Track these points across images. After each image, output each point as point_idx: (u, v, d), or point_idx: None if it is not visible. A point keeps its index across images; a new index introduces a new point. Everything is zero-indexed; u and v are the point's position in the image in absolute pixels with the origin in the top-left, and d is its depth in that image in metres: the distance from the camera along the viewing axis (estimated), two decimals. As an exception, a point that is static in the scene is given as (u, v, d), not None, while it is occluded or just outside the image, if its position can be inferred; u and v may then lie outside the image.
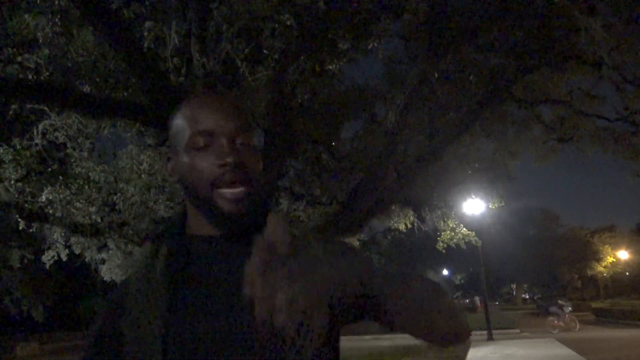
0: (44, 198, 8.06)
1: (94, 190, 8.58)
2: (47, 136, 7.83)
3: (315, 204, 9.51)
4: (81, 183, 8.41)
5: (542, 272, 45.90)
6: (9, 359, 20.95)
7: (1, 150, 7.62)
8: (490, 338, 17.08)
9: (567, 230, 46.21)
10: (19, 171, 7.80)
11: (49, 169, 8.27)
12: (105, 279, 11.34)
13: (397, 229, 11.31)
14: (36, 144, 7.78)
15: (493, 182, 10.90)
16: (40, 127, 7.64)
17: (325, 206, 9.24)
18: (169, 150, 0.96)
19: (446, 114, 9.26)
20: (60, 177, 8.30)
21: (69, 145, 8.11)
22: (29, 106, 6.92)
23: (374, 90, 9.83)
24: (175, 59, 6.92)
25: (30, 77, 6.37)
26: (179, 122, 0.92)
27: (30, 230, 9.09)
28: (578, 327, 19.53)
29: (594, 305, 30.22)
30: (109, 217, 9.25)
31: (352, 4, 6.27)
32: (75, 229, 9.13)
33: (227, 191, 0.85)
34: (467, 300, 61.01)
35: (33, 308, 25.36)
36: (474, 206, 13.51)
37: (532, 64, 7.87)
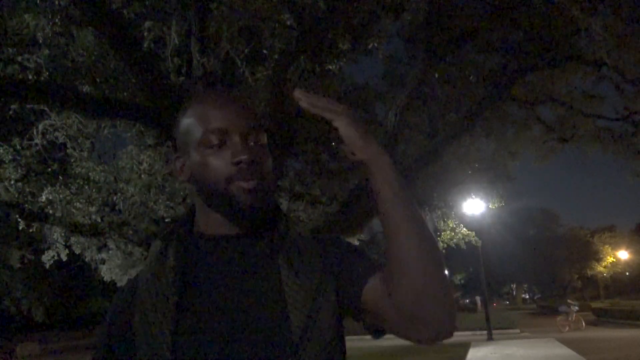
0: (44, 198, 8.06)
1: (94, 190, 8.58)
2: (47, 136, 7.83)
3: (315, 204, 9.50)
4: (81, 183, 8.41)
5: (542, 272, 45.90)
6: (9, 359, 20.94)
7: (1, 150, 7.62)
8: (490, 338, 17.08)
9: (567, 230, 46.20)
10: (19, 171, 7.80)
11: (49, 169, 8.27)
12: (105, 279, 11.35)
13: (397, 229, 11.29)
14: (36, 144, 7.78)
15: (493, 182, 10.91)
16: (40, 127, 7.64)
17: (325, 206, 9.24)
18: (177, 150, 0.96)
19: (446, 114, 9.27)
20: (60, 177, 8.30)
21: (69, 145, 8.12)
22: (29, 106, 6.91)
23: (374, 90, 9.84)
24: (175, 59, 6.92)
25: (30, 77, 6.37)
26: (189, 121, 0.91)
27: (30, 230, 9.09)
28: (584, 326, 20.21)
29: (594, 305, 30.21)
30: (109, 217, 9.25)
31: (352, 4, 6.27)
32: (75, 229, 9.13)
33: (244, 183, 0.86)
34: (468, 301, 61.04)
35: (33, 308, 25.38)
36: (474, 206, 13.52)
37: (532, 64, 7.87)
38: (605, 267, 41.84)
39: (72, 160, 8.39)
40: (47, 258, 10.03)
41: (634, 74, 8.70)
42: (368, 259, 0.92)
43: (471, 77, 8.80)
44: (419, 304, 0.79)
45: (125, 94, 6.95)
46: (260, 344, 0.81)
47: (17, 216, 8.63)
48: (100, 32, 5.54)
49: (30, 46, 6.58)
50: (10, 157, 7.64)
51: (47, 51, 6.57)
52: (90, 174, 8.41)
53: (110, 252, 10.56)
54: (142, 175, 8.47)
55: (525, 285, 61.81)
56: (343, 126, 0.85)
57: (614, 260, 41.56)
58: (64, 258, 10.10)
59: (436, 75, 8.22)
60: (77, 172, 8.41)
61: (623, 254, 41.33)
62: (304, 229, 0.96)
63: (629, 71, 8.69)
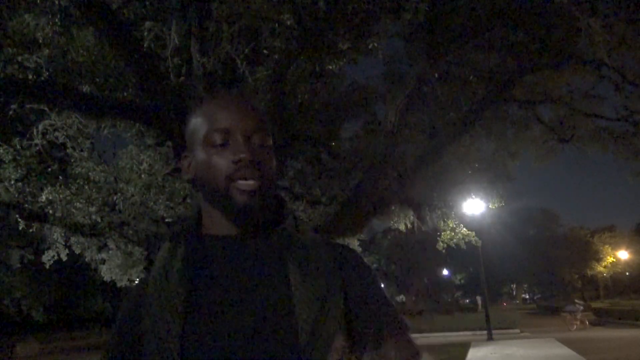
0: (44, 198, 8.06)
1: (94, 190, 8.57)
2: (47, 136, 7.83)
3: (315, 204, 9.50)
4: (81, 183, 8.41)
5: (542, 272, 45.92)
6: (9, 359, 20.94)
7: (1, 150, 7.62)
8: (490, 338, 17.09)
9: (567, 230, 46.23)
10: (19, 171, 7.80)
11: (49, 169, 8.27)
12: (105, 279, 11.34)
13: (397, 229, 11.30)
14: (36, 144, 7.78)
15: (493, 182, 10.90)
16: (40, 127, 7.64)
17: (325, 206, 9.24)
18: (186, 149, 0.98)
19: (446, 114, 9.26)
20: (60, 177, 8.30)
21: (69, 145, 8.11)
22: (29, 106, 6.91)
23: (374, 90, 9.83)
24: (175, 59, 6.92)
25: (30, 77, 6.37)
26: (196, 121, 0.94)
27: (30, 230, 9.09)
28: (588, 325, 21.27)
29: (594, 305, 30.22)
30: (109, 217, 9.25)
31: (352, 4, 6.27)
32: (75, 229, 9.13)
33: (241, 183, 0.87)
34: (468, 300, 61.07)
35: (33, 308, 25.38)
36: (474, 206, 13.51)
37: (532, 64, 7.87)
38: (605, 267, 41.86)
39: (72, 160, 8.39)
40: (47, 258, 10.03)
41: (634, 74, 8.70)
42: (384, 318, 0.91)
43: (471, 77, 8.80)
44: None
45: (125, 94, 6.95)
46: (267, 347, 0.81)
47: (17, 216, 8.63)
48: (100, 32, 5.54)
49: (30, 46, 6.58)
50: (10, 157, 7.64)
51: (47, 51, 6.57)
52: (90, 174, 8.41)
53: (110, 252, 10.56)
54: (142, 175, 8.47)
55: (526, 285, 61.83)
56: None
57: (614, 260, 41.57)
58: (64, 258, 10.11)
59: (436, 75, 8.22)
60: (77, 172, 8.41)
61: (623, 254, 41.34)
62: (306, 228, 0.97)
63: (629, 71, 8.69)
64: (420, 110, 9.54)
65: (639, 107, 9.35)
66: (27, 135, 7.78)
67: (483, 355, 12.75)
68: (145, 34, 6.52)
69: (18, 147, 7.70)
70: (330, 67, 7.34)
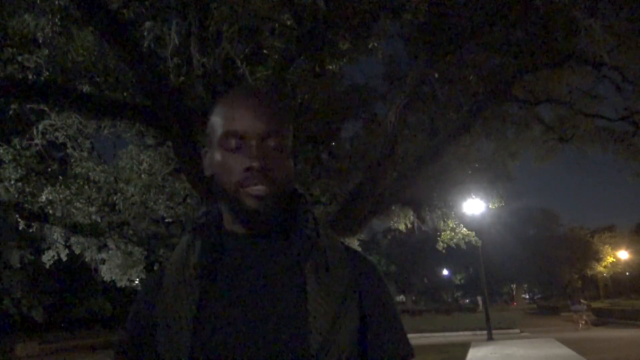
0: (44, 198, 8.06)
1: (94, 190, 8.58)
2: (47, 136, 7.83)
3: (315, 204, 9.50)
4: (81, 183, 8.41)
5: (542, 272, 45.91)
6: (9, 359, 20.94)
7: (1, 150, 7.62)
8: (490, 338, 17.09)
9: (567, 230, 46.21)
10: (19, 171, 7.80)
11: (49, 169, 8.28)
12: (105, 279, 11.34)
13: (397, 229, 11.30)
14: (36, 144, 7.78)
15: (493, 182, 10.89)
16: (40, 127, 7.64)
17: (325, 206, 9.24)
18: (207, 145, 0.98)
19: (446, 114, 9.26)
20: (60, 177, 8.31)
21: (69, 145, 8.12)
22: (29, 106, 6.92)
23: (374, 90, 9.83)
24: (175, 59, 6.91)
25: (30, 77, 6.37)
26: (214, 119, 0.93)
27: (30, 230, 9.09)
28: (589, 325, 21.99)
29: (594, 305, 30.20)
30: (109, 217, 9.25)
31: (352, 4, 6.27)
32: (75, 229, 9.13)
33: (251, 188, 0.87)
34: (467, 300, 61.07)
35: (33, 308, 25.37)
36: (474, 206, 13.51)
37: (532, 64, 7.87)
38: (605, 267, 41.83)
39: (72, 160, 8.40)
40: (47, 258, 10.04)
41: (634, 74, 8.69)
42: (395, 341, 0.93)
43: (471, 77, 8.78)
44: None
45: (125, 94, 6.95)
46: (278, 351, 0.81)
47: (17, 216, 8.63)
48: (100, 32, 5.53)
49: (30, 46, 6.58)
50: (10, 157, 7.64)
51: (47, 51, 6.57)
52: (90, 174, 8.41)
53: (110, 252, 10.56)
54: (142, 175, 8.47)
55: (526, 285, 61.82)
56: None
57: (614, 260, 41.55)
58: (64, 258, 10.11)
59: (436, 75, 8.22)
60: (77, 172, 8.41)
61: (623, 254, 41.32)
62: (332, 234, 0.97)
63: (629, 71, 8.68)
64: (420, 110, 9.54)
65: (639, 107, 9.35)
66: (27, 135, 7.78)
67: (483, 355, 12.74)
68: (145, 34, 6.52)
69: (18, 147, 7.70)
70: (330, 67, 7.33)
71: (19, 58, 6.43)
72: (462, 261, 46.63)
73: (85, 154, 8.40)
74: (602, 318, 25.60)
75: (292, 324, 0.83)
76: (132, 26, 6.43)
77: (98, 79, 6.87)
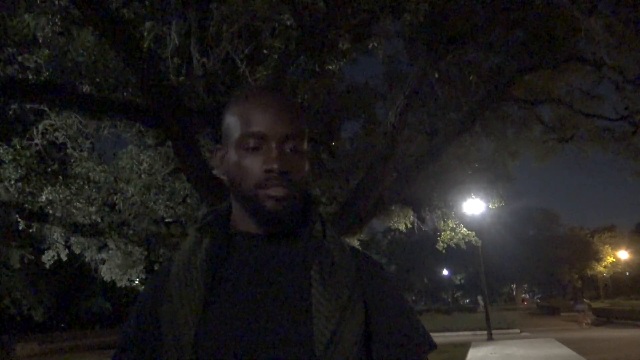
0: (44, 198, 8.06)
1: (94, 190, 8.58)
2: (47, 136, 7.83)
3: (316, 204, 9.48)
4: (81, 183, 8.41)
5: (542, 272, 45.93)
6: (9, 359, 20.95)
7: (1, 150, 7.62)
8: (490, 338, 17.09)
9: (567, 230, 46.26)
10: (19, 171, 7.80)
11: (49, 169, 8.27)
12: (105, 279, 11.33)
13: (397, 229, 11.30)
14: (36, 144, 7.78)
15: (493, 182, 10.89)
16: (40, 127, 7.64)
17: (325, 206, 9.24)
18: (220, 142, 0.98)
19: (446, 114, 9.26)
20: (60, 177, 8.30)
21: (69, 145, 8.11)
22: (29, 106, 6.92)
23: (374, 90, 9.83)
24: (175, 59, 6.92)
25: (30, 77, 6.37)
26: (231, 119, 0.92)
27: (30, 230, 9.09)
28: (591, 324, 22.74)
29: (594, 305, 30.21)
30: (109, 217, 9.25)
31: (352, 4, 6.27)
32: (75, 229, 9.13)
33: (270, 190, 0.87)
34: (467, 300, 61.08)
35: (33, 308, 25.36)
36: (474, 206, 13.51)
37: (532, 64, 7.87)
38: (605, 267, 41.84)
39: (72, 160, 8.39)
40: (47, 258, 10.03)
41: (634, 74, 8.69)
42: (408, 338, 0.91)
43: (471, 77, 8.78)
44: None
45: (125, 94, 6.95)
46: (282, 351, 0.81)
47: (17, 216, 8.63)
48: (100, 32, 5.54)
49: (30, 46, 6.58)
50: (10, 157, 7.64)
51: (47, 51, 6.57)
52: (90, 174, 8.41)
53: (110, 252, 10.55)
54: (142, 175, 8.47)
55: (525, 285, 61.83)
56: None
57: (614, 260, 41.56)
58: (64, 258, 10.11)
59: (436, 75, 8.21)
60: (77, 172, 8.41)
61: (623, 254, 41.34)
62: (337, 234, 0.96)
63: (629, 71, 8.68)
64: (420, 110, 9.54)
65: (639, 107, 9.35)
66: (27, 135, 7.78)
67: (483, 355, 12.75)
68: (145, 34, 6.52)
69: (18, 147, 7.69)
70: (330, 67, 7.33)
71: (19, 58, 6.43)
72: (462, 261, 46.65)
73: (85, 154, 8.40)
74: (602, 318, 25.60)
75: (296, 325, 0.83)
76: (132, 26, 6.43)
77: (98, 79, 6.86)
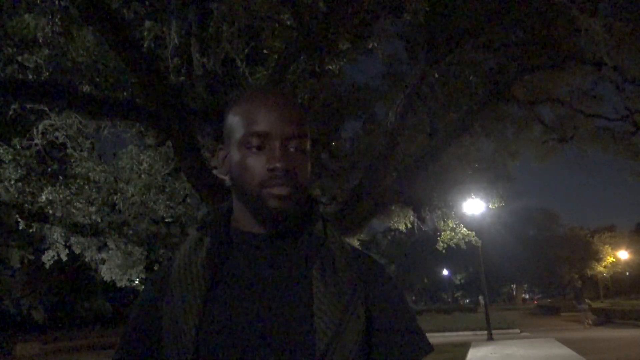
0: (44, 198, 8.06)
1: (94, 190, 8.58)
2: (47, 136, 7.83)
3: (318, 204, 9.48)
4: (81, 183, 8.41)
5: (542, 272, 45.91)
6: (9, 359, 20.95)
7: (1, 150, 7.62)
8: (490, 338, 17.09)
9: (567, 230, 46.22)
10: (19, 171, 7.80)
11: (49, 169, 8.28)
12: (105, 279, 11.34)
13: (397, 229, 11.30)
14: (36, 144, 7.78)
15: (493, 182, 10.89)
16: (40, 127, 7.64)
17: (325, 206, 9.24)
18: (222, 142, 0.98)
19: (446, 114, 9.26)
20: (60, 177, 8.31)
21: (69, 145, 8.11)
22: (29, 106, 6.91)
23: (374, 90, 9.83)
24: (175, 59, 6.92)
25: (30, 77, 6.37)
26: (234, 118, 0.92)
27: (30, 230, 9.09)
28: (591, 324, 23.07)
29: (594, 305, 30.21)
30: (109, 217, 9.25)
31: (352, 4, 6.27)
32: (75, 229, 9.13)
33: (274, 189, 0.87)
34: (467, 300, 61.07)
35: (33, 308, 25.37)
36: (474, 206, 13.50)
37: (532, 64, 7.88)
38: (605, 267, 41.83)
39: (72, 160, 8.40)
40: (47, 258, 10.03)
41: (634, 74, 8.70)
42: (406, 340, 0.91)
43: (471, 77, 8.79)
44: None
45: (125, 94, 6.95)
46: (282, 352, 0.81)
47: (17, 216, 8.63)
48: (100, 32, 5.54)
49: (30, 46, 6.58)
50: (10, 157, 7.64)
51: (47, 51, 6.57)
52: (90, 174, 8.41)
53: (110, 252, 10.56)
54: (142, 175, 8.47)
55: (525, 285, 61.83)
56: None
57: (614, 260, 41.54)
58: (64, 258, 10.10)
59: (436, 75, 8.22)
60: (77, 172, 8.41)
61: (623, 254, 41.31)
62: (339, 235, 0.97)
63: (629, 71, 8.68)
64: (420, 110, 9.54)
65: (639, 107, 9.35)
66: (27, 135, 7.77)
67: (483, 355, 12.74)
68: (145, 34, 6.52)
69: (18, 147, 7.70)
70: (330, 67, 7.33)
71: (19, 58, 6.43)
72: (462, 261, 46.66)
73: (85, 154, 8.40)
74: (602, 318, 25.62)
75: (298, 325, 0.83)
76: (132, 26, 6.43)
77: (98, 79, 6.87)
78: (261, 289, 0.86)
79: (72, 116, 7.40)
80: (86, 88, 6.73)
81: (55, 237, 9.48)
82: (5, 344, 22.19)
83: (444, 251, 11.51)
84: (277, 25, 6.67)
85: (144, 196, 8.71)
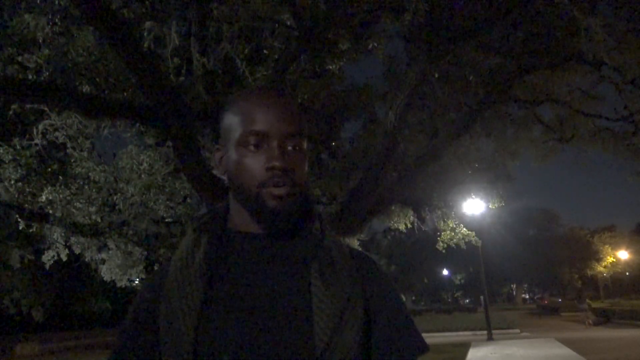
0: (44, 198, 8.06)
1: (94, 190, 8.58)
2: (47, 136, 7.83)
3: (315, 203, 9.48)
4: (81, 183, 8.41)
5: (542, 272, 45.93)
6: (9, 359, 20.95)
7: (1, 150, 7.62)
8: (490, 338, 17.09)
9: (567, 230, 46.25)
10: (19, 171, 7.80)
11: (49, 169, 8.28)
12: (105, 279, 11.33)
13: (397, 229, 11.29)
14: (36, 144, 7.78)
15: (493, 182, 10.88)
16: (40, 127, 7.64)
17: (325, 206, 9.24)
18: (219, 143, 0.97)
19: (446, 114, 9.26)
20: (60, 177, 8.31)
21: (69, 145, 8.11)
22: (29, 106, 6.91)
23: (374, 90, 9.83)
24: (175, 59, 6.92)
25: (30, 77, 6.37)
26: (232, 118, 0.91)
27: (30, 230, 9.09)
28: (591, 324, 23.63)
29: (594, 305, 30.21)
30: (109, 217, 9.25)
31: (352, 4, 6.27)
32: (75, 229, 9.13)
33: (273, 189, 0.87)
34: (467, 300, 61.06)
35: (33, 308, 25.37)
36: (474, 206, 13.51)
37: (532, 64, 7.87)
38: (605, 267, 41.83)
39: (72, 160, 8.39)
40: (47, 258, 10.03)
41: (634, 74, 8.69)
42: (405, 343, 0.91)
43: (471, 77, 8.79)
44: None
45: (125, 94, 6.95)
46: (281, 351, 0.81)
47: (17, 216, 8.63)
48: (100, 32, 5.54)
49: (30, 46, 6.58)
50: (10, 157, 7.64)
51: (47, 51, 6.57)
52: (90, 174, 8.41)
53: (110, 252, 10.55)
54: (142, 175, 8.47)
55: (526, 285, 61.83)
56: None
57: (614, 260, 41.55)
58: (64, 258, 10.10)
59: (436, 75, 8.22)
60: (77, 172, 8.41)
61: (623, 254, 41.32)
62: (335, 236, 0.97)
63: (629, 71, 8.68)
64: (420, 110, 9.54)
65: (639, 107, 9.35)
66: (27, 135, 7.77)
67: (483, 355, 12.74)
68: (145, 34, 6.52)
69: (18, 147, 7.70)
70: (330, 67, 7.34)
71: (19, 58, 6.44)
72: (462, 261, 46.66)
73: (85, 154, 8.40)
74: (602, 318, 25.62)
75: (297, 324, 0.82)
76: (132, 26, 6.43)
77: (98, 79, 6.87)
78: (259, 289, 0.85)
79: (72, 116, 7.39)
80: (86, 88, 6.73)
81: (55, 237, 9.47)
82: (5, 344, 22.18)
83: (444, 251, 11.51)
84: (277, 25, 6.67)
85: (144, 196, 8.71)
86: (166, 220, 10.15)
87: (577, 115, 9.82)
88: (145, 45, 6.42)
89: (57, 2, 6.20)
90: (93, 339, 25.71)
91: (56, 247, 9.78)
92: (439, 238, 11.09)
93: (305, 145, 0.92)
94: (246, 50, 6.83)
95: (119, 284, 11.23)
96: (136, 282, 11.58)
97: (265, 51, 7.07)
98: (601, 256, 41.45)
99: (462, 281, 58.54)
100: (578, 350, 12.07)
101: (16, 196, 8.07)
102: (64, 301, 28.31)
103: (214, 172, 0.97)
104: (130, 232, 9.81)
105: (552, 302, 42.76)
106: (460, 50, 7.81)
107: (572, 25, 7.20)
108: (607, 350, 13.00)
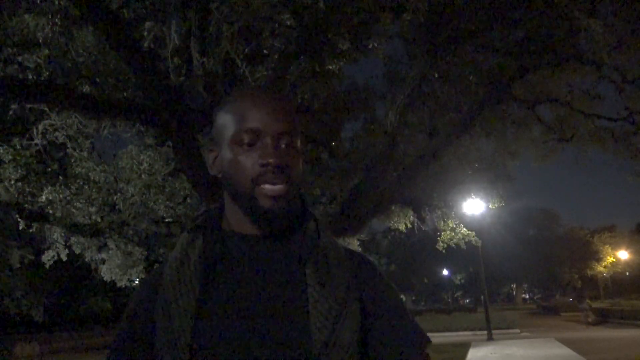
0: (44, 198, 8.07)
1: (94, 190, 8.58)
2: (47, 136, 7.83)
3: (315, 204, 9.50)
4: (81, 183, 8.42)
5: (542, 272, 45.91)
6: (9, 359, 20.94)
7: (1, 150, 7.62)
8: (490, 338, 17.09)
9: (567, 230, 46.24)
10: (19, 171, 7.80)
11: (49, 169, 8.28)
12: (105, 279, 11.34)
13: (397, 229, 11.30)
14: (36, 144, 7.78)
15: (493, 182, 10.88)
16: (40, 127, 7.64)
17: (325, 206, 9.24)
18: (212, 143, 0.97)
19: (446, 114, 9.26)
20: (60, 177, 8.31)
21: (69, 145, 8.12)
22: (29, 106, 6.92)
23: (374, 90, 9.83)
24: (175, 59, 6.91)
25: (30, 77, 6.37)
26: (225, 117, 0.91)
27: (30, 230, 9.09)
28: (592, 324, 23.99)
29: (594, 305, 30.21)
30: (109, 217, 9.25)
31: (352, 4, 6.27)
32: (75, 229, 9.13)
33: (267, 187, 0.86)
34: (467, 300, 61.06)
35: (33, 308, 25.37)
36: (474, 206, 13.51)
37: (532, 64, 7.87)
38: (605, 267, 41.83)
39: (72, 160, 8.40)
40: (47, 258, 10.03)
41: (634, 74, 8.69)
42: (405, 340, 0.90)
43: (471, 77, 8.79)
44: None
45: (125, 94, 6.95)
46: (278, 351, 0.81)
47: (17, 216, 8.63)
48: (100, 32, 5.54)
49: (30, 46, 6.58)
50: (10, 157, 7.64)
51: (47, 51, 6.57)
52: (90, 174, 8.42)
53: (110, 252, 10.56)
54: (142, 175, 8.48)
55: (525, 285, 61.82)
56: None
57: (614, 260, 41.55)
58: (64, 258, 10.10)
59: (436, 75, 8.22)
60: (77, 172, 8.41)
61: (623, 254, 41.32)
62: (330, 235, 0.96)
63: (629, 71, 8.68)
64: (420, 110, 9.54)
65: (639, 107, 9.35)
66: (27, 135, 7.78)
67: (483, 355, 12.74)
68: (145, 34, 6.52)
69: (18, 147, 7.70)
70: (330, 67, 7.33)
71: (19, 58, 6.43)
72: (462, 261, 46.65)
73: (85, 154, 8.40)
74: (602, 318, 25.64)
75: (293, 324, 0.82)
76: (132, 26, 6.43)
77: (98, 79, 6.87)
78: (255, 290, 0.85)
79: (72, 116, 7.40)
80: (86, 88, 6.73)
81: (55, 237, 9.48)
82: (5, 344, 22.18)
83: (444, 251, 11.52)
84: (277, 25, 6.67)
85: (144, 196, 8.72)
86: (166, 220, 10.16)
87: (577, 115, 9.81)
88: (145, 45, 6.42)
89: (57, 2, 6.19)
90: (93, 339, 25.71)
91: (56, 247, 9.79)
92: (439, 238, 11.09)
93: (299, 144, 0.92)
94: (246, 50, 6.83)
95: (119, 284, 11.23)
96: (136, 282, 11.58)
97: (265, 51, 7.07)
98: (601, 256, 41.44)
99: (462, 281, 58.53)
100: (578, 350, 12.07)
101: (16, 196, 8.07)
102: (64, 301, 28.32)
103: (210, 172, 0.97)
104: (130, 232, 9.82)
105: (561, 302, 42.59)
106: (460, 50, 7.81)
107: (572, 25, 7.20)
108: (607, 350, 13.00)
